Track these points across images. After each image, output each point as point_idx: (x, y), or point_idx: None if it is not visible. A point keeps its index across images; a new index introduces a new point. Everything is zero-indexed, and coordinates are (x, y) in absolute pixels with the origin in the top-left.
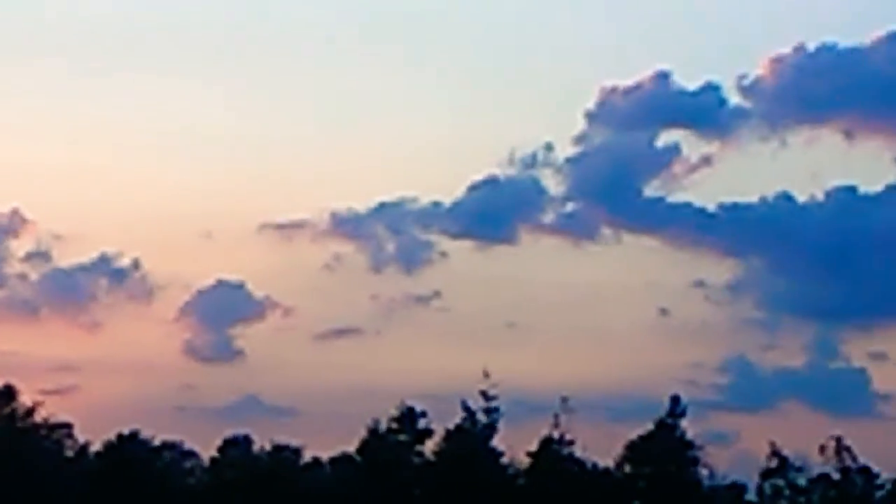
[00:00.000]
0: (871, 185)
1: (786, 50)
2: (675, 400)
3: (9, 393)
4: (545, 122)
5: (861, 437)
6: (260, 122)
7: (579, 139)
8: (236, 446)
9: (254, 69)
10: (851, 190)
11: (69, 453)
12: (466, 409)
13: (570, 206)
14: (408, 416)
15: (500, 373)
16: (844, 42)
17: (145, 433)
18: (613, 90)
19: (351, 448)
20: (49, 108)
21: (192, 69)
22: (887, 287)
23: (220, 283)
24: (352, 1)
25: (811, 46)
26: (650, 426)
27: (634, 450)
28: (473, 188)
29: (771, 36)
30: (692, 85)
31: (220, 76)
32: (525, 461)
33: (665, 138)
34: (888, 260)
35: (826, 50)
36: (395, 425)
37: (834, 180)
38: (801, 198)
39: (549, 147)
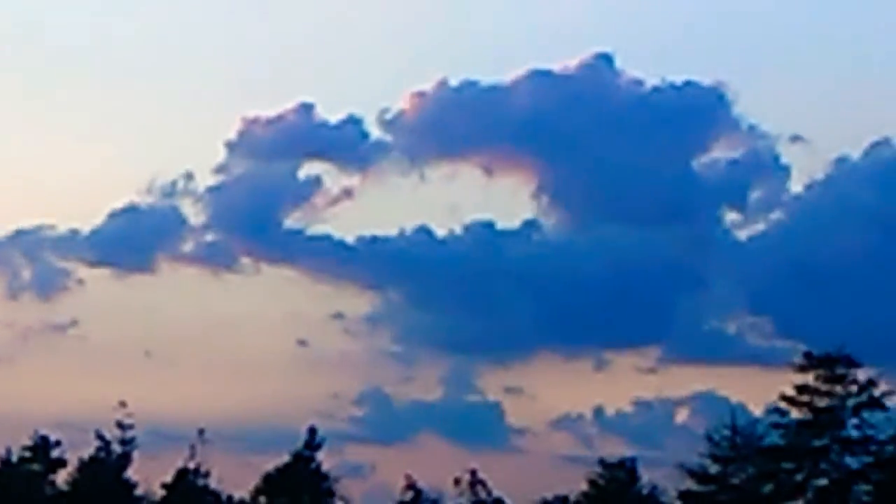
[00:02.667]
0: (508, 221)
1: (428, 85)
2: (312, 432)
3: None
4: (186, 150)
5: (495, 470)
6: None
7: (220, 169)
8: None
9: None
10: (489, 225)
11: None
12: (101, 438)
13: (209, 236)
14: (41, 446)
15: (136, 403)
16: (486, 79)
17: None
18: (255, 121)
19: None
20: None
21: None
22: (523, 322)
23: None
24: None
25: (454, 82)
26: (287, 458)
27: (270, 481)
28: (113, 216)
29: (414, 71)
30: (334, 118)
31: None
32: (159, 492)
33: (307, 170)
34: (524, 295)
35: (468, 86)
36: (27, 454)
37: (472, 215)
38: (440, 232)
39: (189, 176)
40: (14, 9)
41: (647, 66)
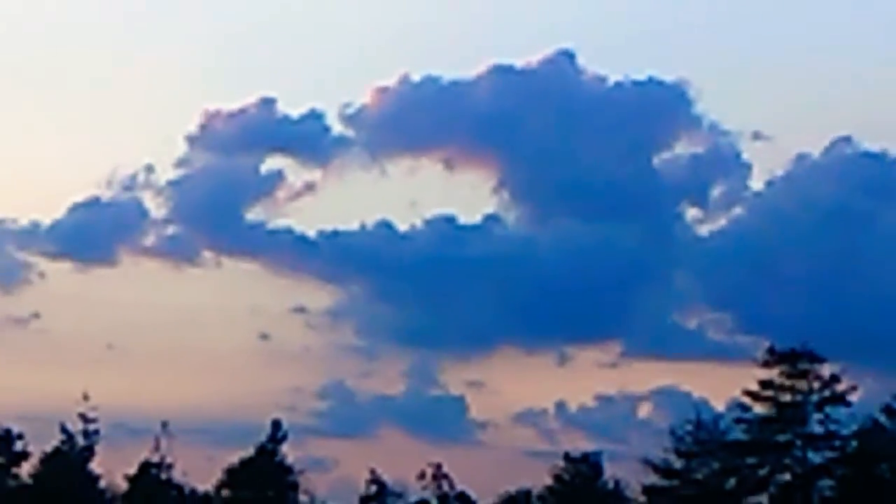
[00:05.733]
0: (469, 216)
1: (391, 80)
2: (276, 425)
3: None
4: (147, 144)
5: (458, 464)
6: None
7: (181, 162)
8: None
9: None
10: (450, 219)
11: None
12: (65, 431)
13: (171, 230)
14: (3, 438)
15: (99, 395)
16: (449, 74)
17: None
18: (217, 114)
19: None
20: None
21: None
22: (484, 317)
23: None
24: None
25: (416, 77)
26: (251, 451)
27: (234, 475)
28: (74, 209)
29: (377, 66)
30: (296, 112)
31: None
32: (123, 485)
33: (269, 164)
34: (485, 290)
35: (430, 82)
36: None
37: (433, 210)
38: (402, 226)
39: (149, 169)
40: None
41: (610, 62)
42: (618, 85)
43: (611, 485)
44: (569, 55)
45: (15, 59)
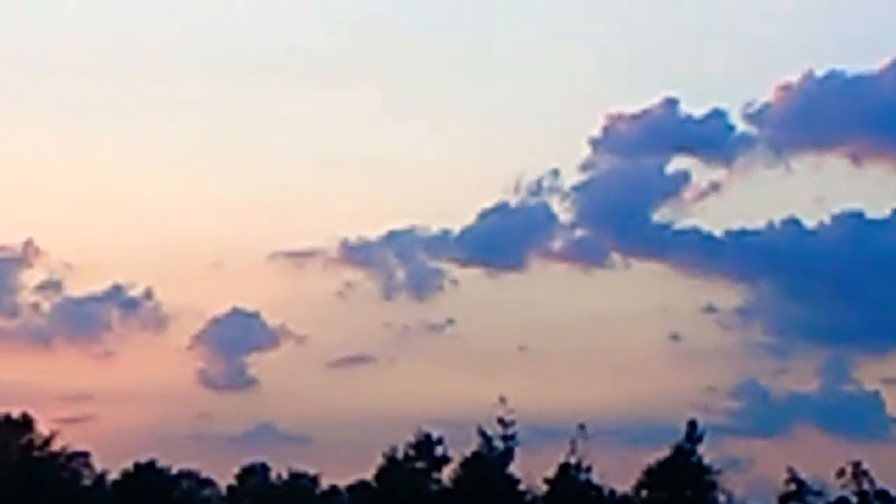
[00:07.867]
0: (878, 210)
1: (794, 77)
2: (692, 425)
3: (26, 423)
4: (550, 148)
5: (877, 461)
6: (269, 150)
7: (585, 166)
8: (254, 474)
9: (261, 98)
10: (858, 215)
11: (87, 482)
12: (483, 435)
13: (578, 233)
14: (424, 443)
15: (513, 398)
16: (853, 69)
17: (162, 462)
18: (619, 117)
19: (367, 475)
20: (62, 138)
21: (197, 98)
22: None
23: (234, 312)
24: (367, 28)
25: (819, 73)
26: (667, 451)
27: (652, 475)
28: (483, 215)
29: (779, 63)
30: (699, 112)
31: (226, 104)
32: (543, 487)
33: (674, 165)
34: None
35: (834, 77)
36: (412, 452)
37: (840, 205)
38: (809, 223)
39: (555, 173)
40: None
41: None
42: None
43: None
44: None
45: (411, 73)
